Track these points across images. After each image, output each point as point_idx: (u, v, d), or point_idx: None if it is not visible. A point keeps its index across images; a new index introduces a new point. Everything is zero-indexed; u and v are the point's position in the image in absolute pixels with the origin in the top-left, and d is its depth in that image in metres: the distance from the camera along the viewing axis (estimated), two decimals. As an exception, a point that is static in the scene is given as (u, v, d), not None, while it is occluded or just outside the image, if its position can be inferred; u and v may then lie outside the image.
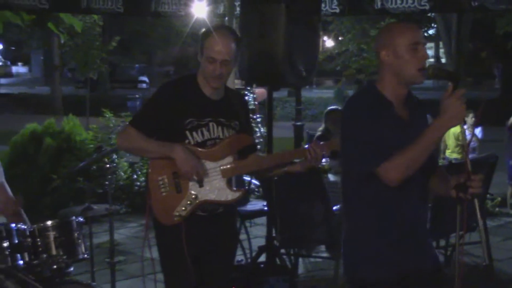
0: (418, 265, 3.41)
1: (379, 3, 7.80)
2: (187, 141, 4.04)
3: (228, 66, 4.04)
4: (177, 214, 4.00)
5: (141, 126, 4.07)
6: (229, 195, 4.08)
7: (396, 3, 7.77)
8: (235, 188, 4.13)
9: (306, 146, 4.07)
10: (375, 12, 8.02)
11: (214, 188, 4.05)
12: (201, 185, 4.03)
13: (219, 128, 4.12)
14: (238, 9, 7.49)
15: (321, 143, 4.11)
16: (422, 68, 3.26)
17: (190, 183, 4.02)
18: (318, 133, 8.16)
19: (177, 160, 3.95)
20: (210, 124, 4.09)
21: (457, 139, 10.09)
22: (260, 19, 5.20)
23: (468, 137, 9.24)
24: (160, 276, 4.27)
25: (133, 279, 7.05)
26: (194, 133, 4.05)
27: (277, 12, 5.14)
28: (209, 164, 4.04)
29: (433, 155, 3.39)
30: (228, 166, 4.06)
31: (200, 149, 4.04)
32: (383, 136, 3.21)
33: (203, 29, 4.16)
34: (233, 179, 4.28)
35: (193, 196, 4.02)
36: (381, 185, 3.21)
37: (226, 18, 7.45)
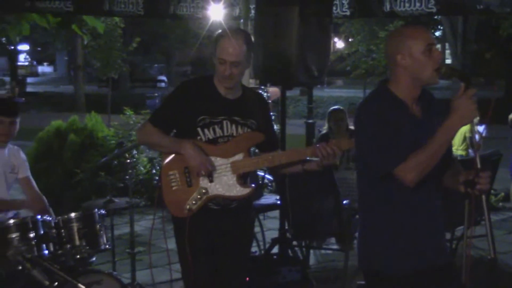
0: (432, 259, 3.38)
1: (388, 6, 7.75)
2: (198, 137, 4.03)
3: (238, 67, 4.01)
4: (188, 207, 4.00)
5: (158, 122, 4.10)
6: (238, 191, 4.06)
7: (404, 6, 7.72)
8: (245, 185, 4.10)
9: (317, 145, 4.05)
10: (384, 15, 7.97)
11: (224, 184, 4.03)
12: (211, 180, 4.02)
13: (233, 126, 4.09)
14: (253, 11, 7.50)
15: (331, 141, 4.06)
16: (438, 68, 3.23)
17: (201, 178, 4.02)
18: (323, 132, 8.13)
19: (185, 156, 3.96)
20: (224, 122, 4.07)
21: (463, 137, 10.03)
22: (274, 21, 5.19)
23: (478, 136, 9.22)
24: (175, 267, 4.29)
25: (153, 269, 7.06)
26: (206, 130, 4.04)
27: (291, 14, 5.13)
28: (219, 161, 4.03)
29: (448, 152, 3.35)
30: (239, 162, 4.04)
31: (211, 146, 4.03)
32: (399, 137, 3.17)
33: (218, 32, 4.16)
34: (247, 176, 4.25)
35: (203, 191, 4.01)
36: (397, 183, 3.18)
37: (242, 21, 7.44)
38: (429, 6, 7.62)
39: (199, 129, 4.04)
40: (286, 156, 4.17)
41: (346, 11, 7.75)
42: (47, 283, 2.92)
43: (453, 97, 3.09)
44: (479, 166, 3.15)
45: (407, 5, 7.70)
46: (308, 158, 4.10)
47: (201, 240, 4.02)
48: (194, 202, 3.99)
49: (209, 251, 4.09)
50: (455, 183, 3.30)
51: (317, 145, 4.03)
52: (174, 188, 4.04)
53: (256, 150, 4.39)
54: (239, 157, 4.05)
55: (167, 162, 4.10)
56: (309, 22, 5.18)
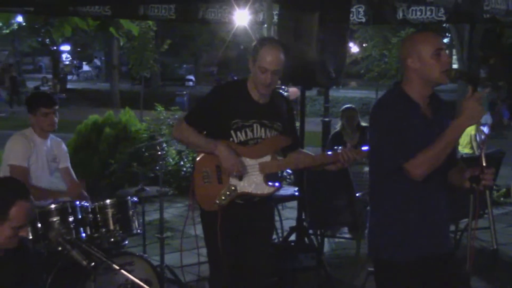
0: (436, 249, 3.38)
1: (400, 14, 7.72)
2: (231, 139, 4.05)
3: (277, 75, 4.03)
4: (217, 202, 4.01)
5: (193, 122, 4.10)
6: (265, 190, 4.07)
7: (416, 14, 7.68)
8: (270, 184, 4.09)
9: (339, 149, 4.03)
10: (397, 22, 7.95)
11: (252, 182, 4.04)
12: (240, 179, 4.03)
13: (262, 129, 4.10)
14: (275, 17, 7.48)
15: (353, 150, 4.06)
16: (446, 71, 3.22)
17: (231, 176, 4.03)
18: (336, 129, 8.10)
19: (220, 157, 3.97)
20: (254, 125, 4.08)
21: (469, 136, 9.95)
22: (296, 26, 5.18)
23: (482, 135, 9.15)
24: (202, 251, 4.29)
25: (178, 253, 7.07)
26: (238, 133, 4.05)
27: (311, 20, 5.11)
28: (249, 161, 4.04)
29: (453, 150, 3.35)
30: (266, 163, 4.05)
31: (242, 147, 4.04)
32: (410, 134, 3.18)
33: (256, 41, 4.15)
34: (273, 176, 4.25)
35: (233, 188, 4.02)
36: (406, 177, 3.18)
37: (265, 25, 7.42)
38: (439, 14, 7.58)
39: (232, 132, 4.05)
40: (310, 160, 4.18)
41: (362, 18, 7.73)
42: (84, 263, 2.92)
43: (461, 100, 3.08)
44: (484, 163, 3.13)
45: (418, 13, 7.66)
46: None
47: (227, 230, 4.03)
48: (223, 198, 4.01)
49: (234, 239, 4.10)
50: (459, 179, 3.29)
51: (340, 151, 4.01)
52: (205, 183, 4.07)
53: None
54: (266, 158, 4.06)
55: (201, 159, 4.12)
56: (328, 27, 5.15)
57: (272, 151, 4.07)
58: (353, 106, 8.58)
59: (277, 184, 4.15)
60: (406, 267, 3.33)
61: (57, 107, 5.16)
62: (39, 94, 5.48)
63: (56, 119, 5.14)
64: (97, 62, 50.22)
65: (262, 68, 3.93)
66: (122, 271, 2.91)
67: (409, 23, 7.89)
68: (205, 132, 4.11)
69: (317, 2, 5.15)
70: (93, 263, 2.93)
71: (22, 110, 12.68)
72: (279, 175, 4.41)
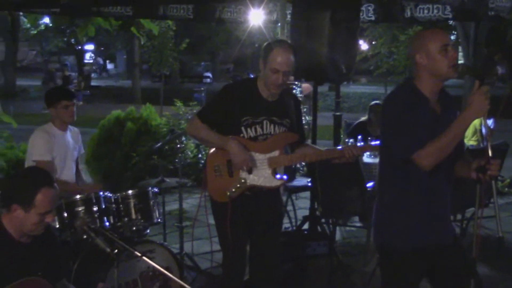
0: (440, 238, 3.37)
1: (408, 13, 7.66)
2: (241, 135, 4.06)
3: (288, 76, 4.05)
4: (228, 194, 4.03)
5: (205, 119, 4.11)
6: (273, 182, 4.10)
7: (423, 13, 7.62)
8: (278, 177, 4.11)
9: (348, 146, 4.07)
10: (405, 20, 7.89)
11: (261, 176, 4.06)
12: (250, 172, 4.05)
13: (272, 125, 4.11)
14: (288, 17, 7.45)
15: (358, 145, 4.18)
16: (453, 65, 3.20)
17: (241, 170, 4.04)
18: (362, 119, 8.09)
19: (230, 153, 3.99)
20: (264, 122, 4.09)
21: (474, 129, 9.88)
22: (308, 25, 5.15)
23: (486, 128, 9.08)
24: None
25: (197, 241, 7.09)
26: (249, 129, 4.07)
27: (323, 19, 5.08)
28: (258, 156, 4.06)
29: (460, 143, 3.32)
30: (275, 158, 4.07)
31: (251, 143, 4.06)
32: (419, 127, 3.16)
33: (266, 43, 4.14)
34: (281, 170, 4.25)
35: (243, 181, 4.04)
36: (413, 168, 3.16)
37: (279, 24, 7.39)
38: (445, 12, 7.52)
39: (242, 128, 4.06)
40: (317, 155, 4.20)
41: (371, 17, 7.67)
42: (108, 250, 2.93)
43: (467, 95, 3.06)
44: (490, 154, 3.11)
45: (425, 11, 7.60)
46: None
47: (237, 220, 4.05)
48: (233, 190, 4.03)
49: (245, 228, 4.12)
50: (466, 170, 3.27)
51: (347, 147, 4.10)
52: (217, 177, 4.08)
53: None
54: (275, 153, 4.07)
55: (212, 154, 4.14)
56: (339, 26, 5.13)
57: (280, 146, 4.09)
58: (380, 102, 8.57)
59: (285, 177, 4.17)
60: (409, 254, 3.33)
61: (75, 100, 5.20)
62: (58, 88, 5.51)
63: (75, 109, 5.17)
64: (100, 61, 50.28)
65: (274, 69, 3.94)
66: (144, 258, 2.91)
67: (416, 21, 7.82)
68: (214, 130, 4.12)
69: (329, 1, 5.13)
70: (116, 251, 2.93)
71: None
72: (293, 166, 4.39)
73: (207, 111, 4.21)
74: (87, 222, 3.53)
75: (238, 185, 4.01)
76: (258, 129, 4.07)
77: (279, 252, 4.33)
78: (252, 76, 4.31)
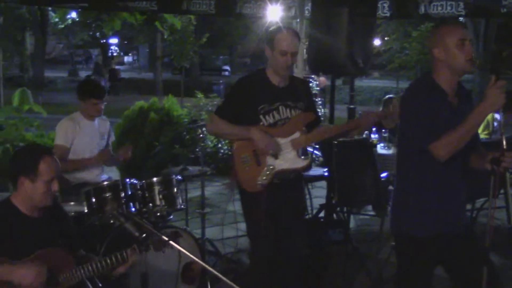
0: (453, 226, 3.35)
1: (423, 9, 7.62)
2: (261, 123, 4.05)
3: (295, 57, 4.06)
4: (259, 182, 4.01)
5: (224, 114, 4.11)
6: (300, 163, 4.07)
7: (437, 9, 7.57)
8: (304, 157, 4.10)
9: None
10: (419, 17, 7.85)
11: (287, 159, 4.04)
12: (276, 158, 4.02)
13: (287, 110, 4.10)
14: (306, 12, 7.42)
15: (372, 112, 4.14)
16: (470, 59, 3.17)
17: (267, 157, 4.02)
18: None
19: (254, 140, 3.98)
20: (280, 107, 4.08)
21: (486, 122, 9.78)
22: (327, 20, 5.15)
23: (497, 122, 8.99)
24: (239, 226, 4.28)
25: (218, 227, 7.11)
26: (267, 116, 4.06)
27: (341, 15, 5.07)
28: (281, 140, 4.04)
29: (475, 135, 3.30)
30: (297, 140, 4.04)
31: (272, 129, 4.04)
32: (436, 119, 3.14)
33: (271, 29, 4.16)
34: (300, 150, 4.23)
35: (271, 167, 4.01)
36: (430, 158, 3.15)
37: (298, 20, 7.37)
38: (458, 9, 7.47)
39: (261, 116, 4.06)
40: (335, 129, 4.21)
41: (386, 13, 7.64)
42: (137, 234, 2.95)
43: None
44: (505, 146, 3.10)
45: (439, 8, 7.55)
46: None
47: (267, 208, 4.00)
48: (264, 177, 4.00)
49: (272, 217, 4.07)
50: (481, 162, 3.24)
51: (360, 115, 4.10)
52: (246, 168, 4.06)
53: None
54: (296, 135, 4.05)
55: (238, 147, 4.12)
56: (356, 21, 5.10)
57: (299, 128, 4.07)
58: (394, 96, 8.54)
59: (312, 150, 4.15)
60: (425, 242, 3.32)
61: (105, 97, 5.23)
62: (91, 84, 5.48)
63: (103, 107, 5.24)
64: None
65: (282, 51, 3.96)
66: (171, 242, 2.92)
67: (430, 17, 7.77)
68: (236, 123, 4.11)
69: (347, -2, 5.11)
70: (144, 234, 2.93)
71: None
72: (310, 150, 4.36)
73: (224, 107, 4.20)
74: (117, 206, 3.56)
75: (267, 172, 3.99)
76: (276, 114, 4.07)
77: (304, 239, 4.31)
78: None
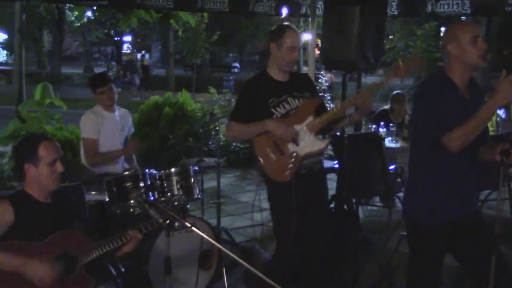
0: (464, 216, 3.35)
1: (430, 8, 7.59)
2: (274, 116, 4.09)
3: (299, 52, 4.21)
4: (288, 170, 4.01)
5: (238, 118, 4.17)
6: (321, 144, 4.09)
7: (443, 8, 7.55)
8: (323, 138, 4.15)
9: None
10: (427, 15, 7.81)
11: (307, 143, 4.06)
12: (297, 144, 4.04)
13: (295, 99, 4.16)
14: (317, 11, 7.41)
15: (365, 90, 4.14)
16: (482, 55, 3.18)
17: (289, 145, 4.04)
18: (385, 107, 8.00)
19: (272, 130, 4.01)
20: (288, 98, 4.14)
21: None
22: (339, 18, 5.14)
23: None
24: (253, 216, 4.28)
25: (231, 217, 7.14)
26: (278, 108, 4.11)
27: (353, 13, 5.06)
28: (297, 127, 4.06)
29: (485, 128, 3.30)
30: (312, 123, 4.06)
31: (286, 119, 4.08)
32: (449, 112, 3.15)
33: (276, 27, 4.21)
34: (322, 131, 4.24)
35: (295, 154, 4.02)
36: (442, 150, 3.16)
37: (310, 19, 7.37)
38: (464, 8, 7.45)
39: (272, 110, 4.10)
40: (343, 106, 4.18)
41: (394, 11, 7.62)
42: (161, 220, 2.97)
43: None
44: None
45: (446, 6, 7.53)
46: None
47: (295, 198, 4.01)
48: (291, 165, 4.01)
49: (298, 207, 4.06)
50: (490, 154, 3.24)
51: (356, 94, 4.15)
52: (272, 160, 4.07)
53: None
54: (310, 119, 4.09)
55: (258, 144, 4.13)
56: (368, 19, 5.09)
57: (311, 111, 4.10)
58: (401, 91, 8.53)
59: (325, 139, 4.17)
60: (436, 230, 3.33)
61: (111, 84, 5.23)
62: (94, 76, 5.54)
63: (113, 94, 5.23)
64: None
65: (291, 48, 4.07)
66: (193, 228, 2.93)
67: (437, 15, 7.75)
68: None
69: (358, -4, 5.11)
70: (168, 221, 2.96)
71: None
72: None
73: (237, 111, 4.23)
74: (141, 194, 3.59)
75: (293, 159, 4.00)
76: (286, 105, 4.11)
77: (327, 229, 4.31)
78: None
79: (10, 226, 3.10)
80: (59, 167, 3.25)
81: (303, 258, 4.22)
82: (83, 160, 5.15)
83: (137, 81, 27.55)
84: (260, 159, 4.10)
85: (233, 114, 4.24)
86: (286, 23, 4.25)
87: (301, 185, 4.03)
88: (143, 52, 48.86)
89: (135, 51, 52.23)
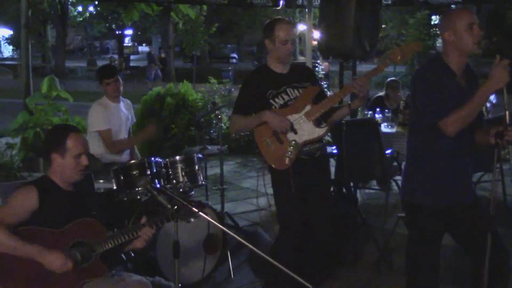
0: (461, 198, 3.36)
1: (423, -3, 7.55)
2: (273, 107, 4.07)
3: (294, 43, 4.14)
4: (287, 159, 4.00)
5: (240, 110, 4.16)
6: (319, 132, 4.05)
7: (436, -4, 7.51)
8: (321, 126, 4.08)
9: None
10: (420, 4, 7.80)
11: (305, 130, 4.04)
12: (296, 132, 4.02)
13: (295, 90, 4.13)
14: (314, 1, 7.38)
15: (362, 77, 4.03)
16: (478, 42, 3.19)
17: (288, 134, 4.02)
18: (380, 94, 8.01)
19: (268, 121, 4.00)
20: (287, 90, 4.12)
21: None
22: (336, 8, 5.14)
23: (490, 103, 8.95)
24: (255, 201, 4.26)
25: (233, 202, 7.15)
26: (276, 99, 4.09)
27: (349, 2, 5.05)
28: (295, 116, 4.04)
29: (480, 113, 3.29)
30: (310, 111, 4.04)
31: (284, 109, 4.07)
32: (445, 97, 3.15)
33: (267, 23, 4.17)
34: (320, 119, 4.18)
35: (293, 142, 4.01)
36: (439, 133, 3.16)
37: (306, 10, 7.33)
38: (456, -4, 7.41)
39: (271, 101, 4.08)
40: (340, 93, 4.15)
41: (388, 1, 7.56)
42: (169, 206, 2.96)
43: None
44: (508, 121, 3.11)
45: (438, -4, 7.49)
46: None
47: (296, 184, 4.00)
48: (290, 152, 4.00)
49: (302, 192, 4.07)
50: (485, 138, 3.25)
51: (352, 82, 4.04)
52: (271, 149, 4.06)
53: None
54: (308, 108, 4.06)
55: (257, 134, 4.12)
56: (363, 8, 5.08)
57: (309, 100, 4.07)
58: (396, 78, 8.52)
59: (325, 126, 4.12)
60: (434, 211, 3.33)
61: (117, 76, 5.22)
62: (102, 68, 5.50)
63: (119, 86, 5.23)
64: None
65: (284, 41, 4.02)
66: (201, 213, 2.93)
67: (430, 4, 7.71)
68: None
69: (355, -14, 5.08)
70: (175, 207, 2.95)
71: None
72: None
73: (238, 105, 4.22)
74: (150, 181, 3.58)
75: (291, 147, 3.99)
76: (284, 96, 4.09)
77: (328, 215, 4.31)
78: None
79: (34, 212, 3.11)
80: (84, 160, 3.25)
81: (305, 243, 4.20)
82: (91, 150, 5.14)
83: (159, 73, 27.02)
84: (261, 149, 4.09)
85: (235, 108, 4.24)
86: (277, 17, 4.22)
87: (303, 171, 4.02)
88: (144, 44, 48.76)
89: (136, 44, 52.25)
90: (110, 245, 3.18)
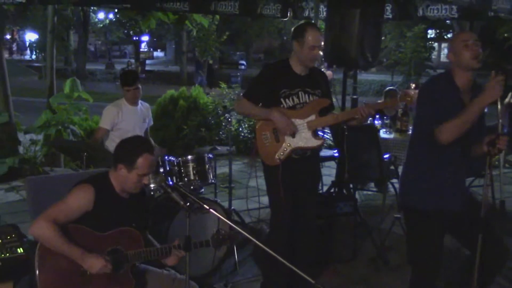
0: (453, 203, 3.34)
1: (421, 12, 7.52)
2: (281, 105, 4.02)
3: (321, 49, 4.10)
4: (277, 157, 4.00)
5: (250, 97, 4.09)
6: (314, 142, 4.04)
7: (433, 12, 7.48)
8: (318, 136, 4.08)
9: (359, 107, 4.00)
10: (418, 18, 7.76)
11: (303, 138, 4.02)
12: (293, 136, 4.01)
13: (306, 95, 4.07)
14: (320, 13, 7.36)
15: (368, 104, 4.04)
16: (476, 57, 3.21)
17: (286, 135, 4.00)
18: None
19: (274, 121, 3.96)
20: (299, 93, 4.05)
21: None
22: (341, 20, 5.10)
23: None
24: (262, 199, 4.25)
25: (241, 200, 7.11)
26: (287, 100, 4.03)
27: (353, 15, 5.03)
28: (298, 121, 4.02)
29: (482, 125, 3.31)
30: (312, 121, 4.01)
31: (291, 111, 4.02)
32: (446, 108, 3.15)
33: (298, 26, 4.08)
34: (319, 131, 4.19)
35: (288, 144, 4.00)
36: (437, 142, 3.15)
37: (313, 21, 7.30)
38: (452, 12, 7.41)
39: (282, 99, 4.03)
40: (345, 115, 4.15)
41: (389, 15, 7.54)
42: (182, 203, 2.94)
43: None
44: (500, 131, 3.14)
45: (435, 11, 7.48)
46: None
47: (286, 181, 4.00)
48: (282, 153, 3.99)
49: (292, 189, 4.07)
50: (480, 148, 3.23)
51: (359, 107, 3.99)
52: (266, 144, 4.04)
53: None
54: (312, 117, 4.03)
55: (260, 126, 4.10)
56: (367, 21, 5.05)
57: (316, 111, 4.03)
58: (394, 87, 8.48)
59: (322, 135, 4.12)
60: (430, 214, 3.32)
61: (138, 85, 5.22)
62: (125, 74, 5.46)
63: (138, 93, 5.24)
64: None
65: (313, 46, 3.95)
66: (211, 210, 2.92)
67: (427, 19, 7.68)
68: (260, 104, 4.07)
69: (359, 0, 5.05)
70: (188, 203, 2.93)
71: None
72: (321, 134, 4.31)
73: (251, 90, 4.15)
74: (164, 179, 3.56)
75: (285, 149, 3.98)
76: (295, 99, 4.03)
77: (316, 208, 4.31)
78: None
79: (86, 213, 3.00)
80: (146, 180, 3.11)
81: (295, 241, 4.19)
82: (109, 147, 5.15)
83: (205, 80, 26.70)
84: (257, 140, 4.07)
85: (246, 91, 4.16)
86: (307, 21, 4.17)
87: (292, 168, 4.01)
88: (158, 50, 48.79)
89: (151, 49, 52.30)
90: (142, 258, 3.10)
